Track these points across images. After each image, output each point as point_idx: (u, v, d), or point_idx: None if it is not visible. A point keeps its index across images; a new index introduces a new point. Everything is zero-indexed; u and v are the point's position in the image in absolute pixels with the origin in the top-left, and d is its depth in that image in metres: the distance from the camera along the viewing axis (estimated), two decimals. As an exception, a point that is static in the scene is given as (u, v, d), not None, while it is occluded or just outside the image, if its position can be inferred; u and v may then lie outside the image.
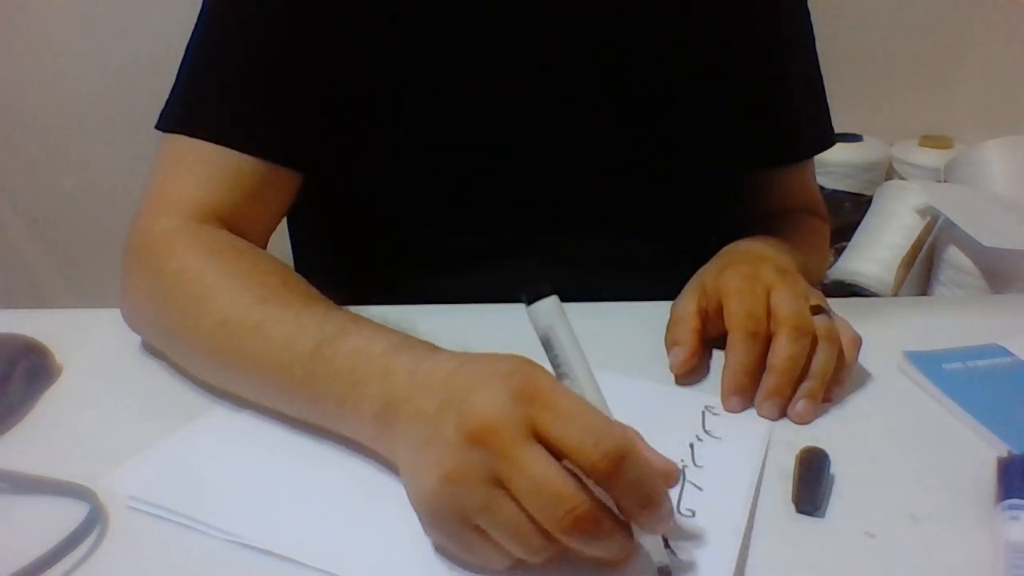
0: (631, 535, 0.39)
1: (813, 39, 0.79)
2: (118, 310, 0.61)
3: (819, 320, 0.55)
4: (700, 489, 0.46)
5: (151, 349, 0.60)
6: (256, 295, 0.54)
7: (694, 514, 0.44)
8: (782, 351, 0.54)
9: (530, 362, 0.41)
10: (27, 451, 0.50)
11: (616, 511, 0.38)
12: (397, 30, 0.65)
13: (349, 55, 0.64)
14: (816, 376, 0.54)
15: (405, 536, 0.43)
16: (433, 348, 0.47)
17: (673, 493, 0.46)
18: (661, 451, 0.48)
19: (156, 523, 0.44)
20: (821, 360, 0.54)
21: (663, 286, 0.63)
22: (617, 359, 0.59)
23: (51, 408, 0.55)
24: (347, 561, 0.41)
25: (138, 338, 0.60)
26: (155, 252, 0.58)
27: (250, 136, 0.62)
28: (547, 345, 0.41)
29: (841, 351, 0.56)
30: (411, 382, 0.44)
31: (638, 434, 0.42)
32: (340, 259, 0.77)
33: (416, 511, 0.41)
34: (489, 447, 0.37)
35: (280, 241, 0.90)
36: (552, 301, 0.41)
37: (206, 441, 0.51)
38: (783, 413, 0.54)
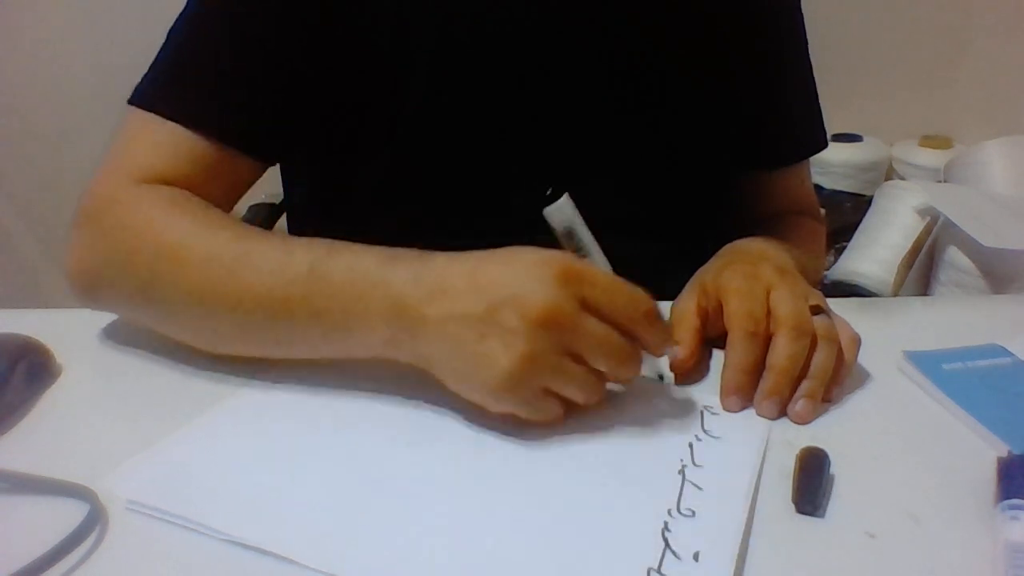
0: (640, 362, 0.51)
1: (806, 42, 0.80)
2: (118, 310, 0.61)
3: (819, 320, 0.55)
4: (700, 489, 0.46)
5: (120, 340, 0.60)
6: (234, 233, 0.55)
7: (694, 514, 0.44)
8: (782, 351, 0.54)
9: (550, 250, 0.49)
10: (27, 451, 0.50)
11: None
12: (396, 32, 0.65)
13: (347, 55, 0.64)
14: (816, 376, 0.54)
15: (404, 536, 0.43)
16: (422, 253, 0.51)
17: (673, 493, 0.46)
18: (660, 451, 0.50)
19: (156, 523, 0.44)
20: (820, 360, 0.54)
21: (662, 287, 0.63)
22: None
23: (51, 408, 0.55)
24: (346, 562, 0.41)
25: (138, 338, 0.60)
26: (113, 211, 0.58)
27: (209, 118, 0.62)
28: (568, 236, 0.51)
29: (840, 351, 0.56)
30: (422, 285, 0.49)
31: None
32: None
33: (482, 393, 0.48)
34: (555, 327, 0.46)
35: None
36: (567, 199, 0.51)
37: (205, 442, 0.50)
38: (782, 413, 0.54)
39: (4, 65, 1.70)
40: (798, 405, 0.54)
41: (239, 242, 0.54)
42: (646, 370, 0.54)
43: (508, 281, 0.47)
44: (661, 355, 0.54)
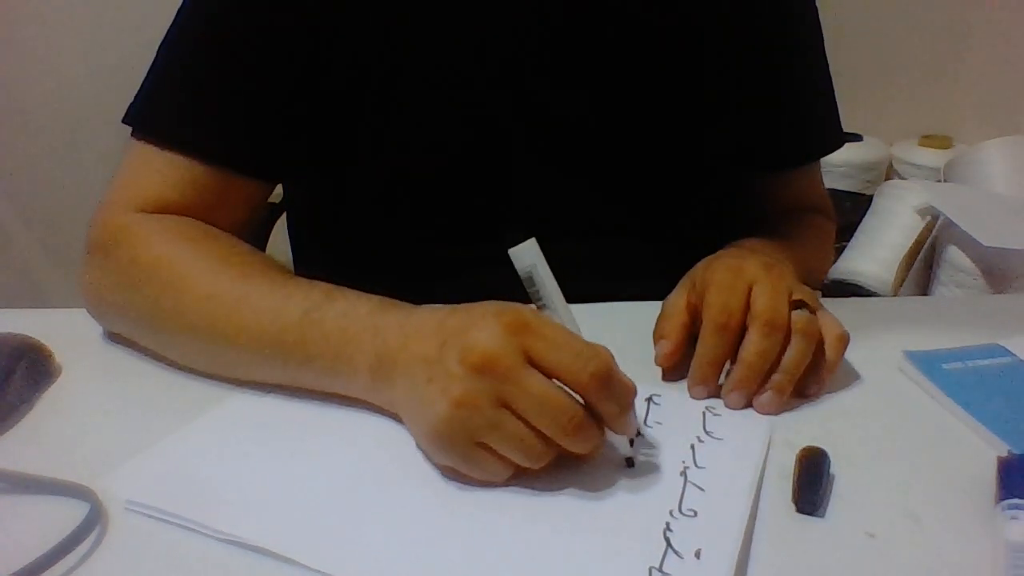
0: (604, 433, 0.46)
1: (822, 39, 0.79)
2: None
3: (797, 315, 0.55)
4: (702, 490, 0.46)
5: (120, 340, 0.60)
6: (238, 272, 0.56)
7: (696, 514, 0.44)
8: (751, 345, 0.54)
9: (512, 303, 0.46)
10: (27, 451, 0.50)
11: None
12: (386, 40, 0.64)
13: (336, 68, 0.64)
14: (785, 370, 0.54)
15: (404, 537, 0.43)
16: (414, 306, 0.51)
17: (675, 493, 0.46)
18: (663, 452, 0.50)
19: (156, 523, 0.44)
20: (792, 355, 0.55)
21: (665, 289, 0.63)
22: (617, 359, 0.59)
23: (51, 408, 0.55)
24: (345, 562, 0.41)
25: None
26: (125, 242, 0.59)
27: (212, 146, 0.62)
28: (529, 281, 0.47)
29: (821, 348, 0.56)
30: (402, 333, 0.48)
31: (608, 351, 0.47)
32: (340, 266, 0.77)
33: (424, 440, 0.47)
34: (492, 374, 0.43)
35: (280, 244, 0.90)
36: (532, 243, 0.47)
37: (204, 442, 0.50)
38: (749, 404, 0.55)
39: (4, 65, 1.70)
40: (763, 397, 0.54)
41: (241, 282, 0.55)
42: (619, 446, 0.48)
43: (462, 327, 0.46)
44: (623, 427, 0.46)
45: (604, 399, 0.45)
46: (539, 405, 0.43)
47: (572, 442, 0.45)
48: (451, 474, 0.46)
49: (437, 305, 0.50)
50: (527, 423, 0.44)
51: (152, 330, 0.58)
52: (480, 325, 0.45)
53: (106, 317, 0.61)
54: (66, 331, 0.61)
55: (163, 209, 0.61)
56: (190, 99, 0.63)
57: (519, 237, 0.47)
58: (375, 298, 0.53)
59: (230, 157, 0.63)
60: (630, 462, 0.48)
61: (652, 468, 0.48)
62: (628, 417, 0.46)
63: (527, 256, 0.47)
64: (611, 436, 0.47)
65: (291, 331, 0.52)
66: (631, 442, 0.48)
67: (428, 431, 0.45)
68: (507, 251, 0.47)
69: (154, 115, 0.63)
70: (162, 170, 0.62)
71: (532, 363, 0.44)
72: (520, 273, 0.47)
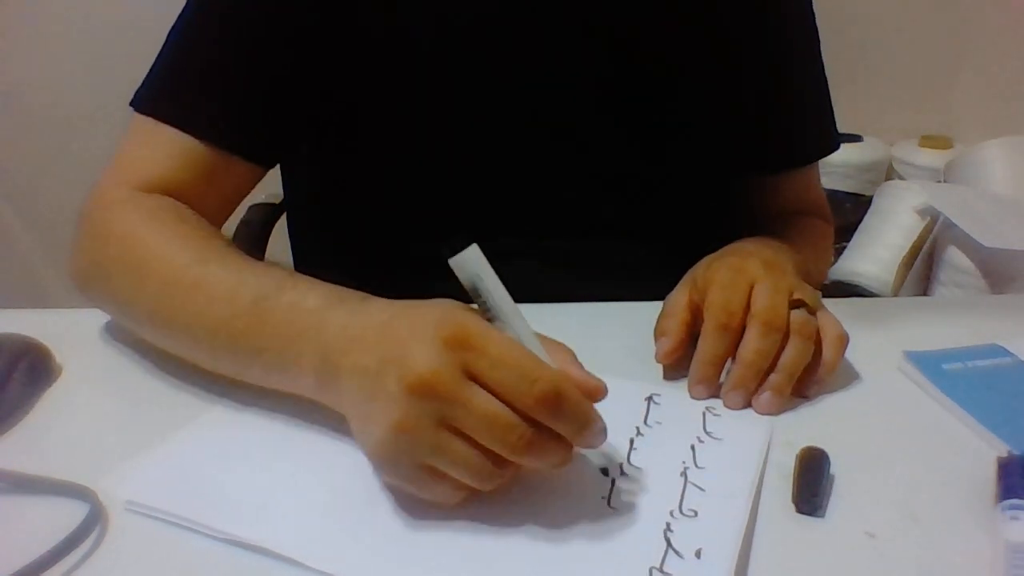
0: (570, 444, 0.42)
1: (818, 41, 0.79)
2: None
3: (796, 315, 0.55)
4: (702, 490, 0.46)
5: (120, 340, 0.60)
6: (196, 256, 0.55)
7: (696, 515, 0.44)
8: (750, 345, 0.54)
9: (460, 307, 0.43)
10: (27, 451, 0.50)
11: None
12: (391, 34, 0.65)
13: (341, 58, 0.64)
14: (783, 370, 0.54)
15: (404, 537, 0.43)
16: (365, 299, 0.48)
17: (675, 493, 0.46)
18: (663, 453, 0.49)
19: (156, 523, 0.44)
20: (790, 355, 0.55)
21: (663, 289, 0.63)
22: (617, 360, 0.60)
23: (51, 408, 0.54)
24: (345, 561, 0.41)
25: (138, 338, 0.60)
26: (104, 217, 0.60)
27: (209, 124, 0.63)
28: (474, 292, 0.43)
29: (820, 348, 0.56)
30: (345, 335, 0.46)
31: (569, 352, 0.44)
32: (340, 261, 0.77)
33: (369, 458, 0.44)
34: (431, 397, 0.40)
35: (281, 241, 0.90)
36: (474, 250, 0.42)
37: (204, 442, 0.50)
38: (748, 404, 0.55)
39: (4, 65, 1.70)
40: (762, 397, 0.54)
41: (200, 266, 0.54)
42: (590, 456, 0.46)
43: (404, 337, 0.42)
44: (586, 444, 0.43)
45: (555, 421, 0.41)
46: (484, 425, 0.40)
47: (527, 460, 0.41)
48: (400, 492, 0.44)
49: (387, 301, 0.47)
50: (475, 443, 0.41)
51: (120, 308, 0.59)
52: (419, 340, 0.41)
53: (88, 293, 0.61)
54: (66, 331, 0.61)
55: (156, 184, 0.62)
56: (190, 79, 0.64)
57: (461, 244, 0.42)
58: (324, 290, 0.50)
59: (225, 136, 0.63)
60: (604, 472, 0.46)
61: (652, 469, 0.48)
62: (589, 432, 0.42)
63: (470, 265, 0.43)
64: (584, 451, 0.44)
65: (241, 318, 0.50)
66: (626, 453, 0.46)
67: (371, 451, 0.43)
68: (450, 260, 0.42)
69: (153, 94, 0.64)
70: (158, 146, 0.63)
71: (475, 381, 0.40)
72: (464, 284, 0.43)
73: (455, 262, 0.42)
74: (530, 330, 0.44)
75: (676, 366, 0.58)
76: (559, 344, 0.45)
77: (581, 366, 0.44)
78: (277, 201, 1.00)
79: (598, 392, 0.43)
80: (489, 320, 0.43)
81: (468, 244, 0.42)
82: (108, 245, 0.59)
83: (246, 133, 0.64)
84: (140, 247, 0.57)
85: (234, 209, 0.69)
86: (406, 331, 0.43)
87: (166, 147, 0.63)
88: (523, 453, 0.41)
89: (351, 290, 0.50)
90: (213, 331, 0.52)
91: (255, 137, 0.65)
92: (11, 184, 1.78)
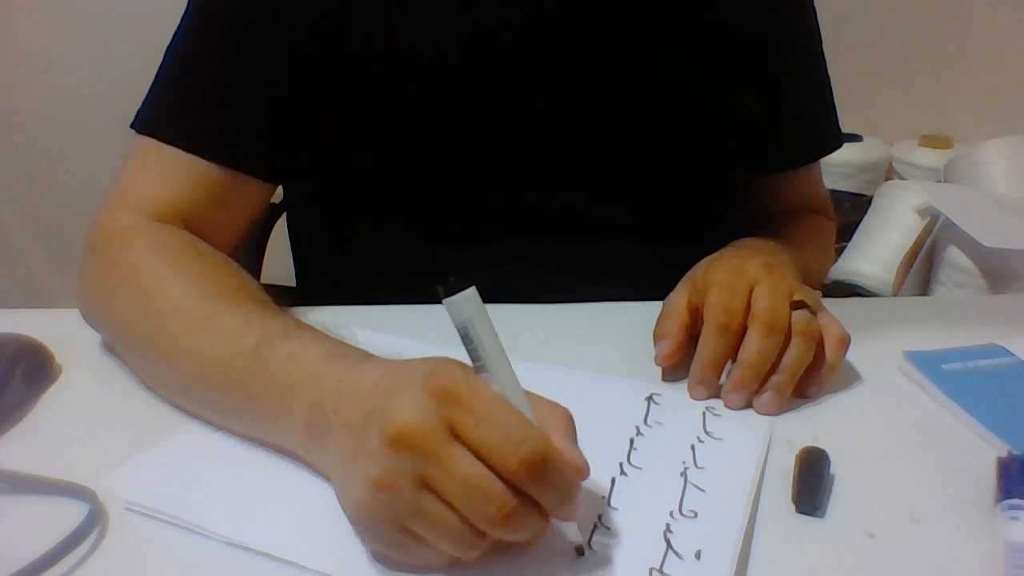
0: (546, 517, 0.40)
1: (820, 39, 0.79)
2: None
3: (797, 315, 0.55)
4: (702, 491, 0.46)
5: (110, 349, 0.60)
6: (210, 291, 0.54)
7: (696, 515, 0.44)
8: (751, 346, 0.54)
9: (451, 361, 0.41)
10: (27, 451, 0.50)
11: None
12: (391, 44, 0.64)
13: (341, 69, 0.64)
14: (785, 371, 0.54)
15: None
16: (364, 356, 0.47)
17: (675, 494, 0.46)
18: (663, 453, 0.49)
19: (156, 524, 0.44)
20: (792, 356, 0.55)
21: (665, 289, 0.63)
22: (617, 360, 0.60)
23: (51, 408, 0.55)
24: (344, 562, 0.41)
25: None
26: (112, 245, 0.59)
27: (216, 144, 0.62)
28: (465, 338, 0.40)
29: (822, 349, 0.56)
30: (338, 391, 0.43)
31: (565, 416, 0.41)
32: (339, 266, 0.77)
33: (350, 522, 0.42)
34: (412, 451, 0.38)
35: (281, 241, 0.90)
36: (471, 293, 0.40)
37: (204, 443, 0.50)
38: (749, 404, 0.55)
39: (4, 67, 1.70)
40: (763, 397, 0.54)
41: (210, 302, 0.53)
42: (567, 531, 0.42)
43: (390, 391, 0.40)
44: (565, 517, 0.40)
45: (538, 489, 0.38)
46: (463, 490, 0.37)
47: (502, 532, 0.38)
48: (384, 560, 0.41)
49: (386, 360, 0.45)
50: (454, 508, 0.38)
51: (120, 338, 0.58)
52: (405, 392, 0.39)
53: (92, 320, 0.61)
54: (66, 331, 0.61)
55: (165, 209, 0.61)
56: (193, 98, 0.63)
57: (458, 284, 0.39)
58: (331, 343, 0.48)
59: (234, 156, 0.62)
60: (579, 551, 0.41)
61: (652, 469, 0.48)
62: (572, 505, 0.39)
63: (464, 308, 0.40)
64: (561, 526, 0.41)
65: (241, 359, 0.49)
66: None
67: (352, 515, 0.41)
68: (444, 300, 0.39)
69: (156, 115, 0.63)
70: (162, 169, 0.62)
71: (458, 439, 0.38)
72: (456, 327, 0.40)
73: (449, 303, 0.40)
74: (518, 386, 0.41)
75: (676, 367, 0.58)
76: (557, 406, 0.42)
77: (574, 435, 0.41)
78: (277, 201, 1.00)
79: (582, 470, 0.40)
80: (476, 369, 0.40)
81: (465, 284, 0.40)
82: (115, 271, 0.57)
83: (254, 151, 0.63)
84: (150, 275, 0.56)
85: (244, 233, 0.67)
86: (395, 385, 0.41)
87: (173, 169, 0.61)
88: (500, 525, 0.38)
89: (354, 347, 0.48)
90: (211, 368, 0.50)
91: (263, 154, 0.64)
92: (11, 184, 1.78)
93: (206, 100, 0.63)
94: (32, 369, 0.56)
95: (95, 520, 0.43)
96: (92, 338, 0.62)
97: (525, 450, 0.37)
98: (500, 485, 0.37)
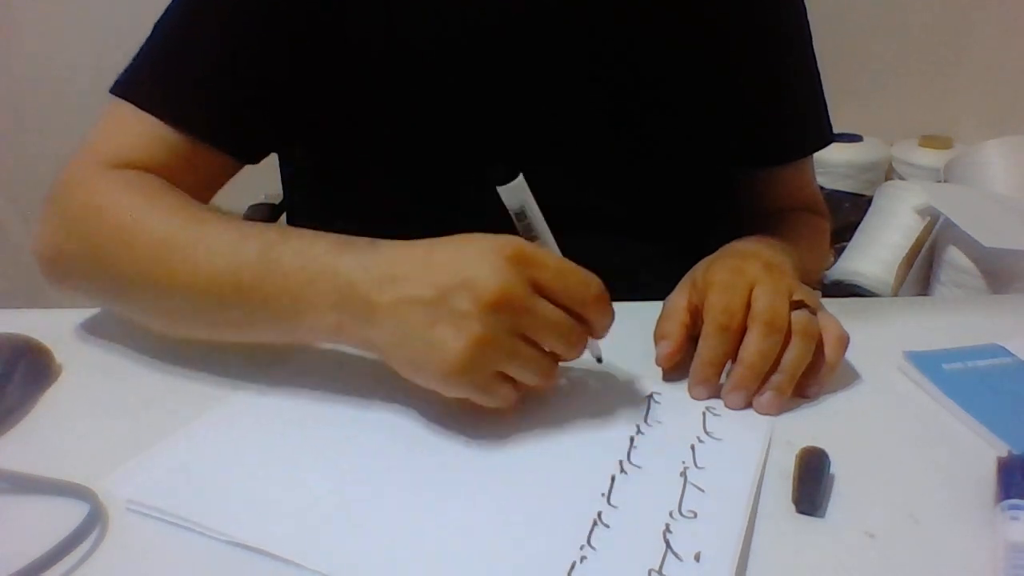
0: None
1: (810, 35, 0.79)
2: (118, 310, 0.61)
3: (797, 315, 0.55)
4: (702, 491, 0.46)
5: (120, 340, 0.60)
6: (191, 216, 0.55)
7: (695, 515, 0.44)
8: (751, 346, 0.54)
9: (499, 235, 0.49)
10: (27, 451, 0.50)
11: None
12: (390, 32, 0.64)
13: (338, 56, 0.64)
14: (785, 371, 0.54)
15: (404, 538, 0.43)
16: (372, 242, 0.51)
17: (675, 494, 0.46)
18: (663, 453, 0.50)
19: (156, 523, 0.44)
20: (792, 355, 0.55)
21: (663, 287, 0.63)
22: (617, 359, 0.59)
23: (51, 408, 0.54)
24: (344, 562, 0.41)
25: (138, 338, 0.60)
26: (79, 191, 0.59)
27: (185, 113, 0.62)
28: (521, 216, 0.51)
29: (821, 349, 0.56)
30: (370, 276, 0.49)
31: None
32: None
33: (435, 379, 0.48)
34: (508, 310, 0.46)
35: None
36: (521, 180, 0.50)
37: (204, 442, 0.50)
38: (749, 404, 0.55)
39: (4, 65, 1.70)
40: (763, 397, 0.54)
41: (195, 224, 0.54)
42: (592, 349, 0.55)
43: (460, 266, 0.47)
44: (604, 335, 0.52)
45: (600, 316, 0.50)
46: (555, 331, 0.48)
47: (575, 354, 0.50)
48: (457, 407, 0.50)
49: (399, 241, 0.50)
50: (538, 346, 0.48)
51: (105, 280, 0.57)
52: (484, 262, 0.47)
53: (60, 273, 0.60)
54: (66, 331, 0.61)
55: (131, 164, 0.60)
56: (173, 69, 0.63)
57: (503, 173, 0.49)
58: (332, 236, 0.52)
59: (201, 126, 0.62)
60: (599, 360, 0.55)
61: (652, 469, 0.48)
62: (610, 324, 0.51)
63: (519, 192, 0.50)
64: (590, 343, 0.53)
65: (248, 269, 0.51)
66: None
67: (444, 370, 0.47)
68: (499, 188, 0.49)
69: (133, 80, 0.63)
70: (132, 129, 0.62)
71: (539, 291, 0.47)
72: (510, 209, 0.51)
73: (505, 189, 0.50)
74: (559, 251, 0.52)
75: (676, 367, 0.58)
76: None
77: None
78: (277, 201, 1.00)
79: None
80: (531, 240, 0.51)
81: (512, 172, 0.49)
82: (87, 213, 0.57)
83: (224, 126, 0.63)
84: (123, 213, 0.55)
85: (212, 196, 0.67)
86: (461, 260, 0.47)
87: (143, 132, 0.61)
88: (575, 346, 0.50)
89: (353, 236, 0.52)
90: (219, 284, 0.51)
91: (234, 131, 0.64)
92: (11, 184, 1.78)
93: (184, 71, 0.63)
94: (32, 369, 0.56)
95: (95, 520, 0.43)
96: (92, 338, 0.62)
97: (595, 287, 0.49)
98: (572, 320, 0.49)
